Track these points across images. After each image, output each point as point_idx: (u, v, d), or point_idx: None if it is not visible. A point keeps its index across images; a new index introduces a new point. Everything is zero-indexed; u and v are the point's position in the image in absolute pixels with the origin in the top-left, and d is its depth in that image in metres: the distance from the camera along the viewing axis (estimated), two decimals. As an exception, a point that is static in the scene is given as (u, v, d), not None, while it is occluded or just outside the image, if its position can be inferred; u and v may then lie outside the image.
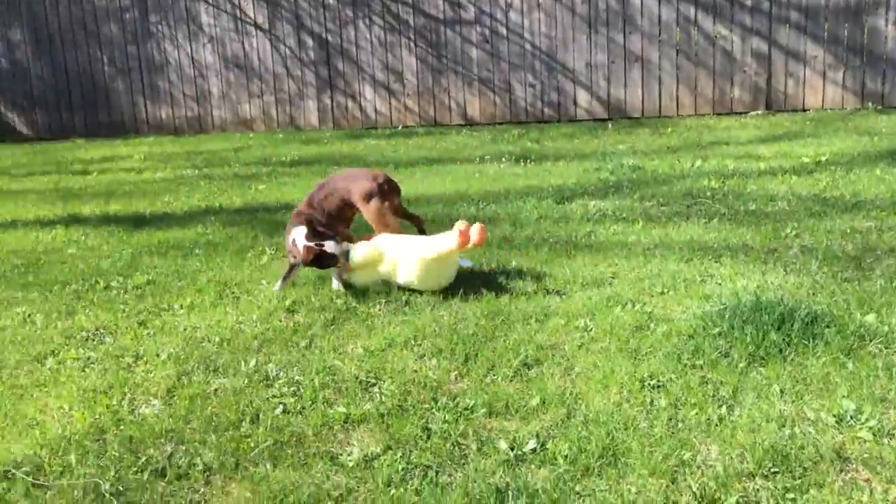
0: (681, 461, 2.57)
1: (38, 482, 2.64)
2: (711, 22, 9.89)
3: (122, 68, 11.38)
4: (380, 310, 4.02)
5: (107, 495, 2.54)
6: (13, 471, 2.69)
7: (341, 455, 2.73)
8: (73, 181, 8.15)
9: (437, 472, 2.60)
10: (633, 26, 10.07)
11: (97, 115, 11.58)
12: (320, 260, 4.14)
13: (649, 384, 3.06)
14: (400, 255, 4.13)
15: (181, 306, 4.24)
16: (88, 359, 3.62)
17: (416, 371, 3.32)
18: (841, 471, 2.49)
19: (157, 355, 3.61)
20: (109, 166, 8.94)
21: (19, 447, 2.85)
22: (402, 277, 4.15)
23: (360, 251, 4.17)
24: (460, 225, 4.03)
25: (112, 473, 2.67)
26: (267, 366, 3.44)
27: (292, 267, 4.33)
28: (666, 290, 4.02)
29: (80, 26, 11.35)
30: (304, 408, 3.06)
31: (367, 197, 4.34)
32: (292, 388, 3.22)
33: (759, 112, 9.85)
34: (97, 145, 10.64)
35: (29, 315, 4.22)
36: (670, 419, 2.81)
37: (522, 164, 7.65)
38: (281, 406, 3.07)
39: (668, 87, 10.14)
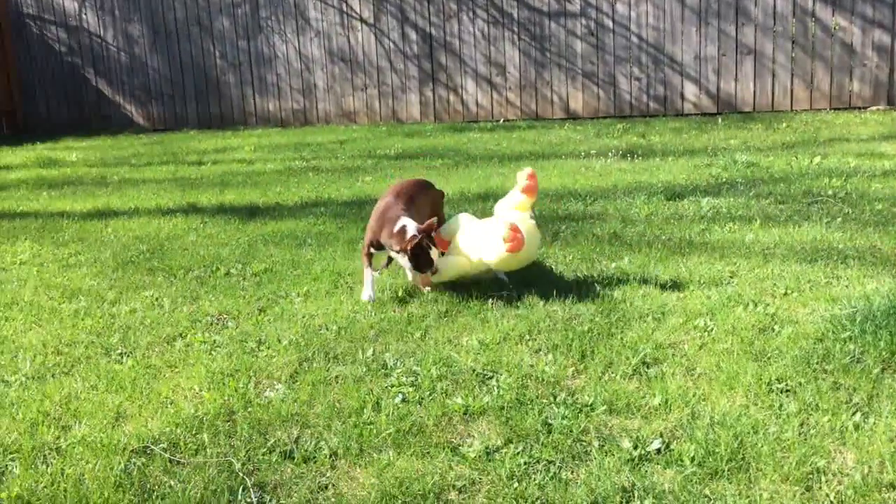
0: (815, 468, 2.48)
1: (174, 458, 2.76)
2: (830, 13, 9.49)
3: (233, 62, 11.76)
4: (492, 304, 4.03)
5: (240, 474, 2.64)
6: (152, 447, 2.82)
7: (462, 446, 2.75)
8: (188, 171, 8.47)
9: (559, 468, 2.59)
10: (745, 17, 9.76)
11: (209, 107, 12.00)
12: (419, 256, 4.08)
13: (777, 388, 2.96)
14: (479, 243, 4.11)
15: (298, 294, 4.36)
16: (214, 342, 3.76)
17: (532, 366, 3.32)
18: None
19: (279, 341, 3.72)
20: (222, 157, 9.25)
21: (156, 424, 2.99)
22: (493, 259, 4.09)
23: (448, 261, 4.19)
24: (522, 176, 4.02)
25: (243, 454, 2.76)
26: (384, 355, 3.50)
27: (389, 260, 4.34)
28: (790, 292, 3.88)
29: (194, 21, 11.78)
30: (422, 398, 3.10)
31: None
32: (410, 378, 3.26)
33: (881, 107, 9.39)
34: (209, 136, 11.03)
35: (157, 299, 4.42)
36: (801, 424, 2.72)
37: (629, 159, 7.53)
38: (400, 395, 3.12)
39: (781, 80, 9.79)
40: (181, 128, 12.03)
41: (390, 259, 4.41)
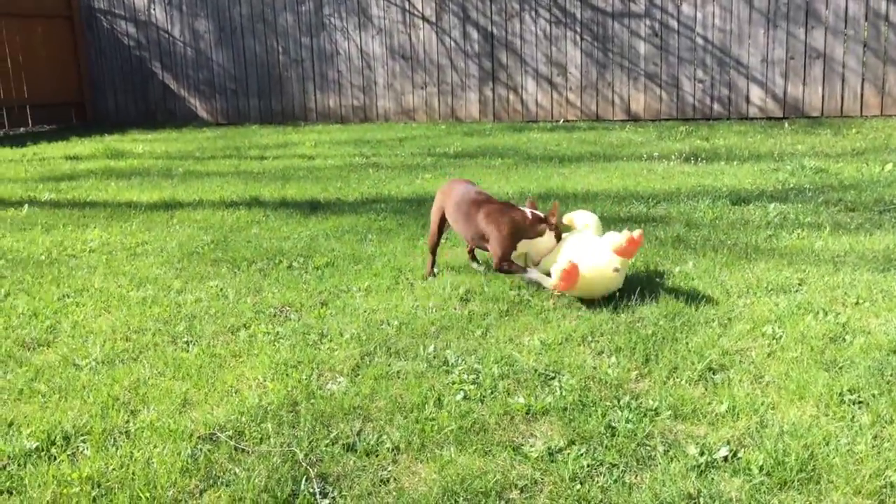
0: (889, 483, 2.41)
1: (240, 446, 2.80)
2: (905, 16, 9.21)
3: (295, 58, 11.91)
4: (553, 304, 4.00)
5: (303, 465, 2.67)
6: (217, 434, 2.87)
7: (524, 446, 2.74)
8: (251, 165, 8.61)
9: (623, 472, 2.56)
10: (815, 20, 9.52)
11: (270, 103, 12.18)
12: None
13: (849, 399, 2.88)
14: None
15: (359, 289, 4.39)
16: (277, 334, 3.81)
17: (594, 367, 3.28)
18: None
19: (341, 335, 3.75)
20: (283, 152, 9.38)
21: (221, 412, 3.04)
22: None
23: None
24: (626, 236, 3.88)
25: (306, 444, 2.79)
26: (445, 352, 3.50)
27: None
28: (861, 301, 3.78)
29: (259, 18, 11.96)
30: (484, 396, 3.09)
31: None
32: (471, 376, 3.26)
33: (956, 114, 9.08)
34: (270, 131, 11.19)
35: (221, 289, 4.50)
36: (875, 437, 2.64)
37: (692, 162, 7.42)
38: (461, 392, 3.12)
39: (851, 85, 9.52)
40: (243, 122, 12.23)
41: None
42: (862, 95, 9.51)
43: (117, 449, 2.80)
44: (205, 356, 3.56)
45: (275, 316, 4.07)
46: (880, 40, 9.34)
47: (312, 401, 3.10)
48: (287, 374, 3.33)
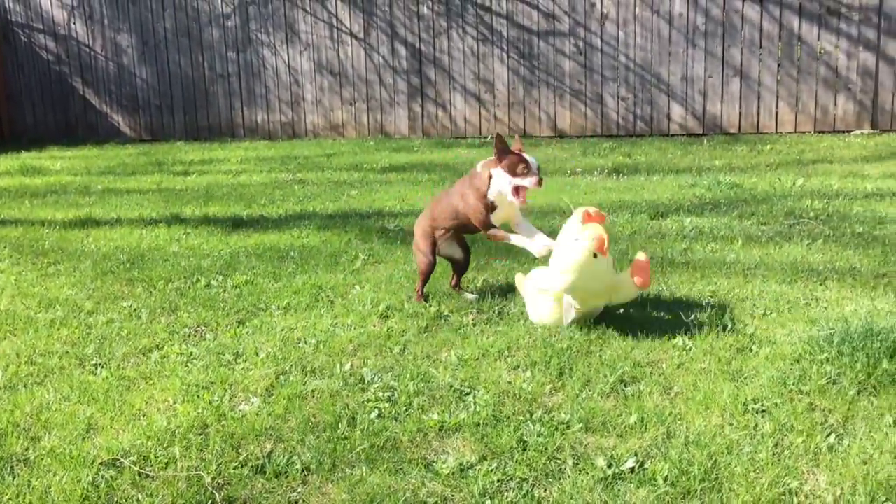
0: (787, 489, 2.48)
1: (144, 472, 2.72)
2: (816, 36, 9.58)
3: (221, 73, 11.75)
4: (472, 319, 4.02)
5: (209, 489, 2.61)
6: (121, 459, 2.79)
7: (436, 462, 2.73)
8: (174, 182, 8.44)
9: (532, 486, 2.58)
10: (732, 40, 9.84)
11: (196, 119, 11.98)
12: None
13: (753, 408, 2.96)
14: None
15: (278, 307, 4.33)
16: (191, 354, 3.73)
17: (510, 382, 3.30)
18: (963, 511, 2.35)
19: (256, 354, 3.69)
20: (208, 168, 9.22)
21: (127, 437, 2.95)
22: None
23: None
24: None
25: (214, 467, 2.73)
26: (362, 370, 3.47)
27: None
28: (769, 312, 3.89)
29: (183, 32, 11.77)
30: (398, 413, 3.08)
31: None
32: (387, 394, 3.24)
33: (865, 131, 9.47)
34: (195, 147, 11.00)
35: (135, 309, 4.38)
36: (776, 445, 2.72)
37: (614, 177, 7.56)
38: (376, 410, 3.10)
39: (767, 102, 9.86)
40: (168, 138, 11.99)
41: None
42: (777, 112, 9.85)
43: (14, 478, 2.69)
44: (113, 379, 3.46)
45: (189, 336, 3.99)
46: (794, 59, 9.70)
47: (223, 422, 3.04)
48: (198, 396, 3.26)
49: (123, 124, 12.30)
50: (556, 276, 3.71)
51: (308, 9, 11.28)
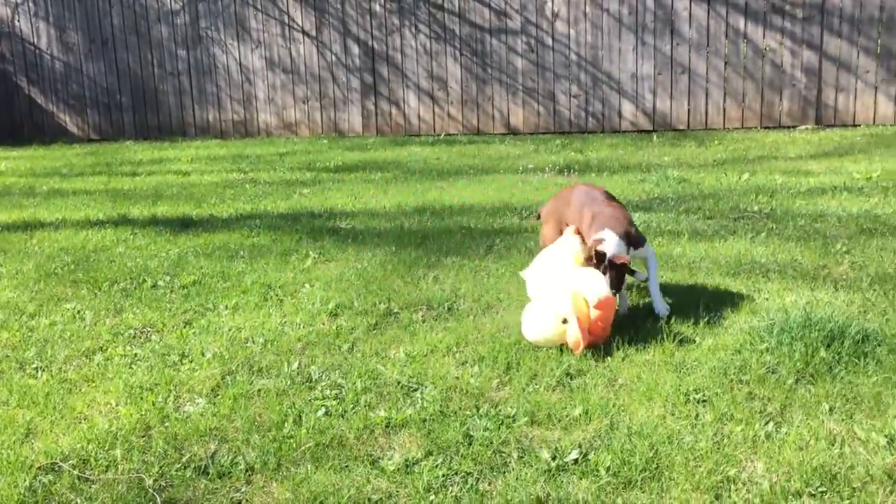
0: (726, 477, 2.53)
1: (83, 476, 2.68)
2: (761, 34, 9.76)
3: (171, 71, 11.58)
4: (422, 316, 4.03)
5: (150, 491, 2.58)
6: (60, 463, 2.74)
7: (382, 459, 2.73)
8: (122, 182, 8.30)
9: (477, 480, 2.59)
10: (680, 37, 9.98)
11: (146, 118, 11.79)
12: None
13: (694, 398, 3.02)
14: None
15: (226, 307, 4.29)
16: (135, 356, 3.68)
17: (457, 378, 3.32)
18: (891, 492, 2.42)
19: (202, 354, 3.65)
20: (157, 168, 9.09)
21: (67, 441, 2.90)
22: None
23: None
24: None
25: (156, 469, 2.70)
26: (310, 368, 3.46)
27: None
28: (712, 304, 3.96)
29: (132, 30, 11.57)
30: (345, 411, 3.07)
31: None
32: (334, 392, 3.23)
33: (809, 126, 9.69)
34: (145, 147, 10.83)
35: (78, 311, 4.31)
36: (715, 434, 2.77)
37: (566, 174, 7.62)
38: (323, 408, 3.09)
39: (714, 99, 10.02)
40: (118, 138, 11.79)
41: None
42: (724, 109, 10.02)
43: (-52, 485, 2.63)
44: (54, 382, 3.40)
45: (134, 337, 3.93)
46: (739, 56, 9.88)
47: (167, 424, 3.01)
48: (141, 398, 3.22)
49: (71, 124, 12.06)
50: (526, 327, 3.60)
51: (259, 6, 11.17)
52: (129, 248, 5.59)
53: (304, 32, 11.13)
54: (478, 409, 3.03)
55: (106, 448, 2.84)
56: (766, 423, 2.83)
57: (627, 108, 10.30)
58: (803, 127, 9.71)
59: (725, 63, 9.93)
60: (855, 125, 9.56)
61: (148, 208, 6.89)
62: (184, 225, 6.22)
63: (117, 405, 3.17)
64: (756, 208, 5.80)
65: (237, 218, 6.42)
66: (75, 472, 2.68)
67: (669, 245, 5.02)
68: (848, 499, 2.40)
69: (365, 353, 3.61)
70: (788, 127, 9.78)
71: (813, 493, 2.43)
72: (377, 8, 10.84)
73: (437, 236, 5.49)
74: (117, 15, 11.57)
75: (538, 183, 7.24)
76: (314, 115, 11.32)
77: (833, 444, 2.66)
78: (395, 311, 4.12)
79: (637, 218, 5.68)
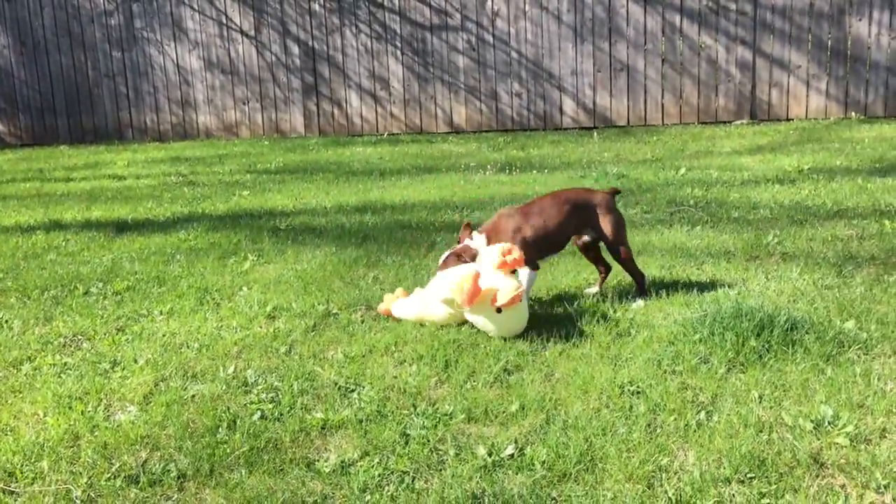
0: (658, 466, 2.56)
1: (8, 488, 2.60)
2: (696, 31, 9.95)
3: (106, 73, 11.33)
4: (361, 316, 4.00)
5: (78, 502, 2.51)
6: (-16, 477, 2.65)
7: (318, 461, 2.71)
8: (55, 187, 8.08)
9: (413, 478, 2.58)
10: (618, 35, 10.12)
11: (81, 121, 11.51)
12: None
13: (629, 390, 3.05)
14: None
15: (161, 312, 4.21)
16: (65, 365, 3.58)
17: (395, 377, 3.30)
18: (817, 476, 2.48)
19: (135, 361, 3.57)
20: (92, 172, 8.88)
21: (-9, 453, 2.81)
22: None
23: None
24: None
25: (84, 480, 2.63)
26: (246, 372, 3.41)
27: None
28: (648, 297, 4.01)
29: (64, 31, 11.29)
30: (281, 414, 3.04)
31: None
32: (270, 395, 3.19)
33: (744, 121, 9.90)
34: (81, 151, 10.58)
35: (6, 321, 4.18)
36: (649, 425, 2.81)
37: (508, 171, 7.66)
38: (259, 412, 3.04)
39: (653, 95, 10.18)
40: (52, 142, 11.48)
41: None
42: (663, 105, 10.19)
43: None
44: (-22, 394, 3.29)
45: (64, 346, 3.83)
46: (676, 53, 10.05)
47: (96, 433, 2.93)
48: (70, 407, 3.13)
49: (2, 128, 11.72)
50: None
51: (195, 6, 11.00)
52: (61, 255, 5.44)
53: (242, 33, 10.99)
54: (415, 408, 3.02)
55: (32, 460, 2.75)
56: (698, 412, 2.87)
57: (569, 105, 10.40)
58: (739, 122, 9.92)
59: (663, 60, 10.09)
60: (788, 119, 9.81)
61: (81, 213, 6.73)
62: (119, 229, 6.09)
63: (45, 415, 3.08)
64: (692, 202, 5.90)
65: (174, 221, 6.30)
66: (0, 485, 2.59)
67: (607, 240, 5.07)
68: (775, 484, 2.45)
69: (302, 356, 3.57)
70: (725, 122, 9.98)
71: (742, 479, 2.48)
72: (317, 7, 10.76)
73: (377, 235, 5.47)
74: (48, 16, 11.27)
75: (480, 181, 7.27)
76: (255, 116, 11.18)
77: (762, 431, 2.72)
78: (334, 311, 4.08)
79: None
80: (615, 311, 3.84)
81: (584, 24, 10.14)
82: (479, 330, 3.69)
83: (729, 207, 5.68)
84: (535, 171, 7.57)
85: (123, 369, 3.51)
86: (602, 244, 4.13)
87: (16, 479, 2.65)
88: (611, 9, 10.05)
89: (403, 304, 3.94)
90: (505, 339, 3.58)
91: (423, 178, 7.56)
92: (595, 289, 4.19)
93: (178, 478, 2.63)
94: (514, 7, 10.28)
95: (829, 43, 9.65)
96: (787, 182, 6.36)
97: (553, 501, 2.42)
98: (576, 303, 3.97)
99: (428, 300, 3.83)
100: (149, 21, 11.11)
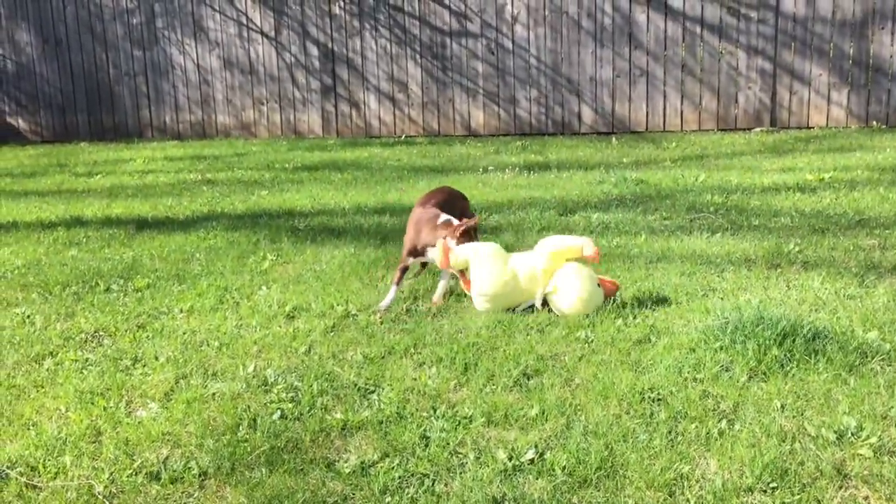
0: (679, 475, 2.55)
1: (31, 483, 2.62)
2: (717, 39, 9.91)
3: (127, 72, 11.40)
4: (380, 318, 4.00)
5: (100, 497, 2.52)
6: (7, 471, 2.67)
7: (338, 462, 2.71)
8: (76, 183, 8.14)
9: (433, 481, 2.58)
10: (637, 42, 10.09)
11: (102, 119, 11.59)
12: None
13: (649, 397, 3.04)
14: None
15: (181, 310, 4.23)
16: (87, 360, 3.60)
17: (415, 379, 3.30)
18: (840, 487, 2.47)
19: (156, 358, 3.59)
20: (113, 169, 8.94)
21: (15, 447, 2.83)
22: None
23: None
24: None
25: (106, 476, 2.65)
26: (265, 371, 3.42)
27: (424, 265, 4.52)
28: (668, 304, 4.00)
29: (86, 29, 11.37)
30: (301, 414, 3.04)
31: None
32: (290, 394, 3.20)
33: (763, 129, 9.85)
34: (101, 148, 10.65)
35: (28, 316, 4.21)
36: (670, 432, 2.79)
37: (526, 175, 7.65)
38: (279, 411, 3.05)
39: (672, 102, 10.14)
40: (72, 139, 11.57)
41: (424, 265, 4.47)
42: (682, 111, 10.14)
43: None
44: (2, 388, 3.32)
45: (86, 342, 3.86)
46: (696, 60, 10.01)
47: (118, 429, 2.95)
48: (92, 403, 3.15)
49: (23, 124, 11.82)
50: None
51: (216, 6, 11.05)
52: (82, 251, 5.48)
53: (262, 33, 11.03)
54: (435, 411, 3.02)
55: (55, 454, 2.78)
56: (720, 420, 2.86)
57: (587, 112, 10.37)
58: (759, 129, 9.87)
59: (683, 67, 10.05)
60: (809, 127, 9.75)
61: (102, 210, 6.77)
62: (139, 226, 6.12)
63: (67, 411, 3.11)
64: (712, 208, 5.88)
65: (194, 219, 6.34)
66: (23, 480, 2.61)
67: (627, 245, 5.06)
68: (798, 494, 2.43)
69: (322, 356, 3.58)
70: (744, 129, 9.93)
71: (764, 489, 2.46)
72: (337, 10, 10.79)
73: (396, 237, 5.47)
74: (71, 15, 11.36)
75: (498, 183, 7.26)
76: (273, 116, 11.23)
77: (784, 441, 2.70)
78: (353, 312, 4.09)
79: (595, 218, 5.72)
80: (635, 318, 3.83)
81: (604, 30, 10.12)
82: (498, 333, 3.69)
83: (749, 215, 5.65)
84: (552, 175, 7.56)
85: (144, 366, 3.53)
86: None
87: (38, 473, 2.67)
88: (631, 15, 10.02)
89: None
90: (524, 343, 3.57)
91: (441, 180, 7.55)
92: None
93: (200, 475, 2.64)
94: (534, 13, 10.27)
95: (851, 52, 9.59)
96: (808, 190, 6.32)
97: (574, 507, 2.42)
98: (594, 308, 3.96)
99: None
100: (170, 21, 11.18)
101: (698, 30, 9.91)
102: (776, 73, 9.81)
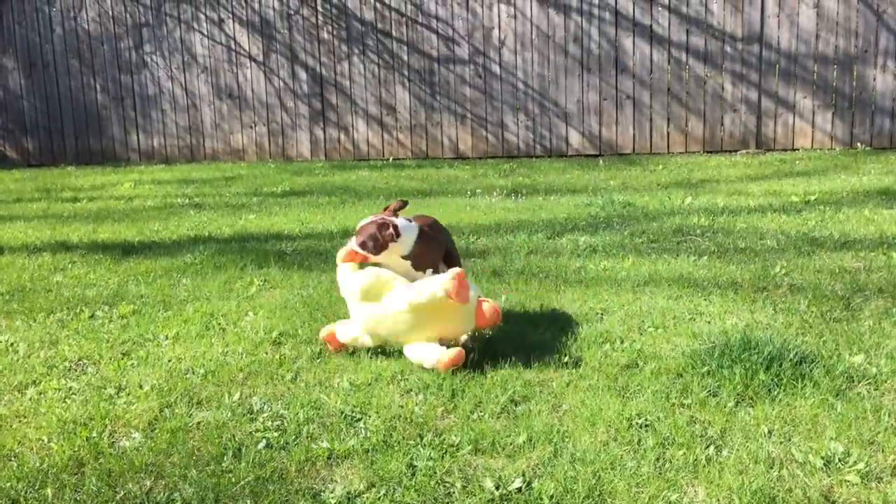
0: (668, 502, 2.53)
1: (12, 516, 2.58)
2: (702, 65, 10.00)
3: (115, 96, 11.40)
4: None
5: (82, 530, 2.49)
6: (-13, 504, 2.63)
7: (324, 492, 2.68)
8: (61, 208, 8.11)
9: (420, 511, 2.56)
10: (624, 67, 10.17)
11: (88, 143, 11.58)
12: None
13: (637, 423, 3.03)
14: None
15: (166, 337, 4.20)
16: (70, 389, 3.56)
17: (402, 406, 3.28)
18: (829, 514, 2.46)
19: (140, 386, 3.56)
20: (99, 194, 8.91)
21: (-5, 479, 2.79)
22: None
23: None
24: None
25: (89, 508, 2.61)
26: (251, 399, 3.39)
27: None
28: (655, 328, 4.00)
29: (73, 54, 11.38)
30: (287, 443, 3.02)
31: None
32: (276, 423, 3.17)
33: (749, 151, 9.93)
34: (88, 173, 10.62)
35: (11, 344, 4.17)
36: (657, 459, 2.78)
37: (514, 198, 7.67)
38: (264, 440, 3.02)
39: (658, 127, 10.22)
40: (59, 164, 11.54)
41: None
42: (668, 134, 10.22)
43: None
44: (-17, 418, 3.27)
45: (69, 370, 3.82)
46: (682, 86, 10.10)
47: (101, 460, 2.91)
48: (75, 433, 3.11)
49: (9, 149, 11.78)
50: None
51: (205, 31, 11.09)
52: (67, 277, 5.44)
53: (250, 58, 11.07)
54: (422, 439, 3.00)
55: (37, 487, 2.73)
56: (707, 446, 2.85)
57: (574, 137, 10.44)
58: (744, 151, 9.95)
59: (669, 92, 10.14)
60: (794, 149, 9.83)
61: (88, 235, 6.74)
62: (125, 252, 6.09)
63: (49, 441, 3.07)
64: (698, 231, 5.90)
65: (180, 244, 6.31)
66: (2, 513, 2.57)
67: (614, 268, 5.07)
68: (787, 521, 2.42)
69: (308, 383, 3.56)
70: (730, 151, 10.01)
71: (753, 516, 2.45)
72: (325, 35, 10.84)
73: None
74: (58, 39, 11.37)
75: (486, 207, 7.27)
76: (262, 140, 11.24)
77: (772, 467, 2.69)
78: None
79: (583, 241, 5.73)
80: (622, 342, 3.82)
81: (591, 55, 10.20)
82: (485, 359, 3.67)
83: (735, 237, 5.68)
84: (540, 198, 7.58)
85: (128, 395, 3.49)
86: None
87: (19, 506, 2.63)
88: (617, 39, 10.11)
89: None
90: (511, 369, 3.56)
91: (429, 202, 7.56)
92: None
93: (183, 507, 2.61)
94: (521, 38, 10.35)
95: (834, 81, 9.70)
96: (794, 212, 6.36)
97: (562, 537, 2.40)
98: (583, 332, 3.95)
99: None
100: (157, 45, 11.20)
101: (684, 57, 10.01)
102: (761, 101, 9.90)
